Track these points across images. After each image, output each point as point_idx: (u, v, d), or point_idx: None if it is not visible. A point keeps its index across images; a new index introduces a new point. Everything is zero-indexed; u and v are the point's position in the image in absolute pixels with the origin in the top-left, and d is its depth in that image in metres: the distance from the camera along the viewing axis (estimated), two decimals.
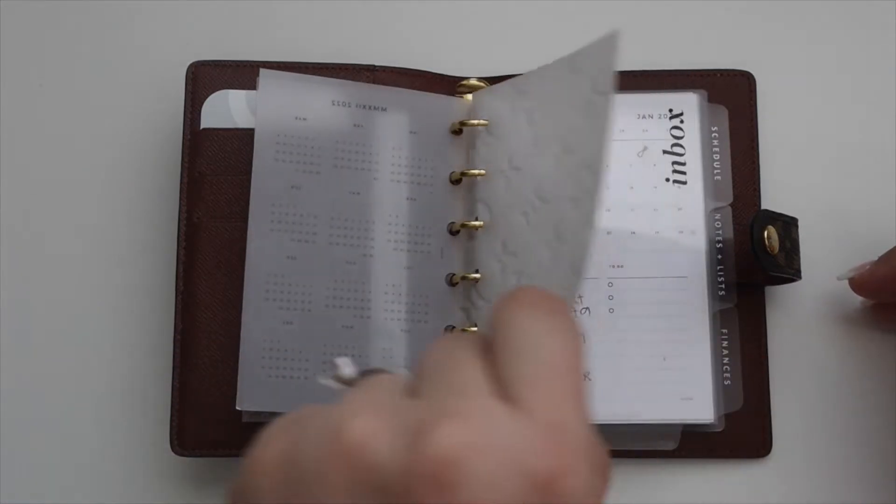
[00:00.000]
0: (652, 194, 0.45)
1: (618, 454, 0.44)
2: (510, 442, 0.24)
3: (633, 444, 0.44)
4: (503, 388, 0.25)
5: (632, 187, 0.45)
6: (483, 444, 0.23)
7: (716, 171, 0.46)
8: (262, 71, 0.44)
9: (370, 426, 0.24)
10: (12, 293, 0.47)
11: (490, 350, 0.27)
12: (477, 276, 0.44)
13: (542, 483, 0.23)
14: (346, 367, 0.30)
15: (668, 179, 0.45)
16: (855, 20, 0.49)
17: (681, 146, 0.45)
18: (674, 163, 0.45)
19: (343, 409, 0.25)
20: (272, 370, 0.42)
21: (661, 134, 0.45)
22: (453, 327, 0.44)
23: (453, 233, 0.44)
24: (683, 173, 0.45)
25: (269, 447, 0.26)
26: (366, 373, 0.30)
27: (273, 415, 0.42)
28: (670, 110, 0.46)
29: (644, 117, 0.45)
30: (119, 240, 0.48)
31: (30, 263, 0.47)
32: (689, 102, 0.46)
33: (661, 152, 0.45)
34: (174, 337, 0.44)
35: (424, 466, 0.23)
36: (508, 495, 0.23)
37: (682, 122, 0.45)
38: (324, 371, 0.29)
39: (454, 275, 0.44)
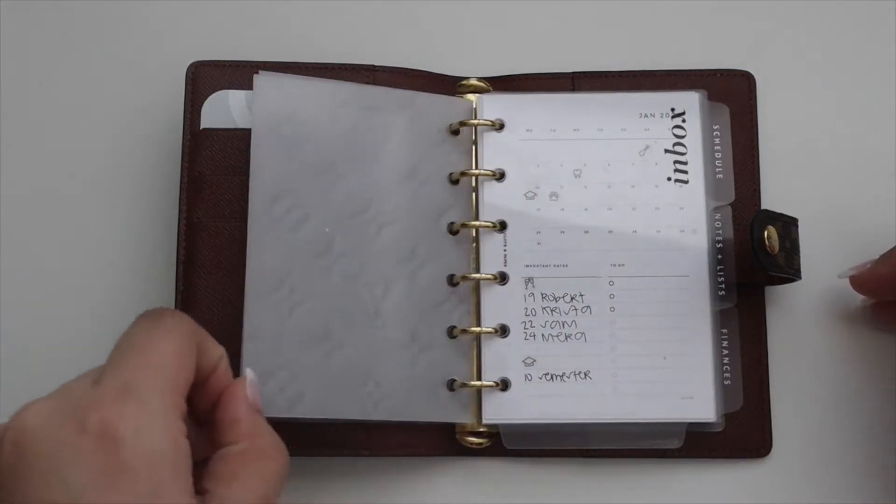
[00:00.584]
0: (653, 193, 0.45)
1: (620, 453, 0.44)
2: (75, 404, 0.31)
3: (639, 443, 0.44)
4: (101, 372, 0.32)
5: (633, 186, 0.45)
6: (51, 408, 0.31)
7: (717, 170, 0.46)
8: (258, 75, 0.44)
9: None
10: (12, 293, 0.47)
11: None
12: (479, 276, 0.44)
13: (94, 429, 0.30)
14: None
15: (669, 179, 0.45)
16: (855, 20, 0.50)
17: (682, 145, 0.45)
18: (675, 162, 0.45)
19: None
20: (274, 370, 0.41)
21: (662, 133, 0.45)
22: (454, 327, 0.44)
23: (453, 233, 0.45)
24: (685, 172, 0.45)
25: None
26: None
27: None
28: (672, 109, 0.46)
29: (646, 116, 0.45)
30: (119, 239, 0.48)
31: (29, 263, 0.47)
32: (690, 101, 0.46)
33: (664, 151, 0.45)
34: None
35: (7, 433, 0.31)
36: (66, 442, 0.30)
37: (683, 121, 0.45)
38: None
39: (454, 275, 0.44)
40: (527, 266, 0.44)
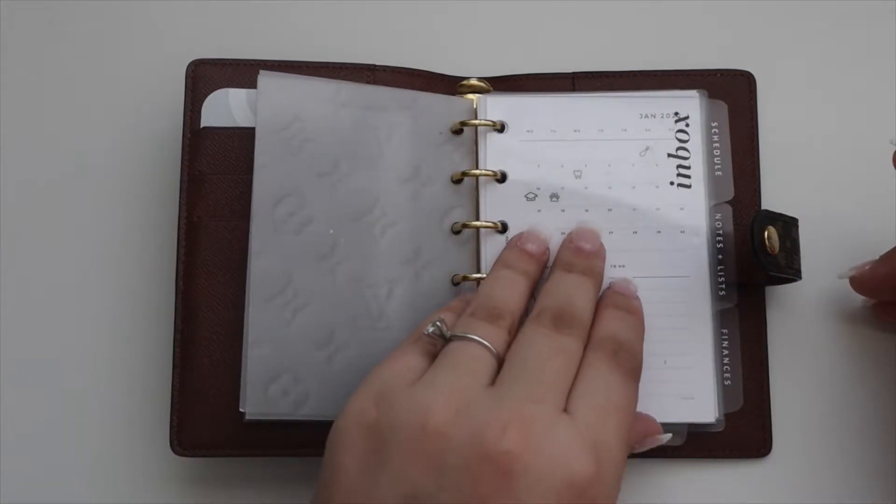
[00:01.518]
0: (654, 194, 0.45)
1: None
2: (562, 449, 0.33)
3: None
4: (570, 402, 0.35)
5: (634, 187, 0.45)
6: (539, 448, 0.32)
7: (716, 167, 0.46)
8: (262, 73, 0.44)
9: (449, 418, 0.33)
10: (12, 292, 0.47)
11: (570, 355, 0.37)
12: (481, 276, 0.44)
13: (578, 485, 0.32)
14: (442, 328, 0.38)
15: (672, 183, 0.45)
16: (855, 20, 0.50)
17: (686, 149, 0.45)
18: (679, 166, 0.45)
19: (427, 397, 0.34)
20: (278, 372, 0.41)
21: (663, 134, 0.45)
22: None
23: (455, 232, 0.44)
24: (688, 177, 0.45)
25: (356, 415, 0.35)
26: (458, 338, 0.37)
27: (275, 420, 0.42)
28: (676, 113, 0.45)
29: (646, 117, 0.45)
30: (119, 239, 0.48)
31: (29, 263, 0.47)
32: (693, 104, 0.46)
33: (667, 156, 0.45)
34: (174, 337, 0.44)
35: (489, 458, 0.32)
36: (552, 489, 0.32)
37: (687, 125, 0.45)
38: None
39: (457, 275, 0.44)
40: None
